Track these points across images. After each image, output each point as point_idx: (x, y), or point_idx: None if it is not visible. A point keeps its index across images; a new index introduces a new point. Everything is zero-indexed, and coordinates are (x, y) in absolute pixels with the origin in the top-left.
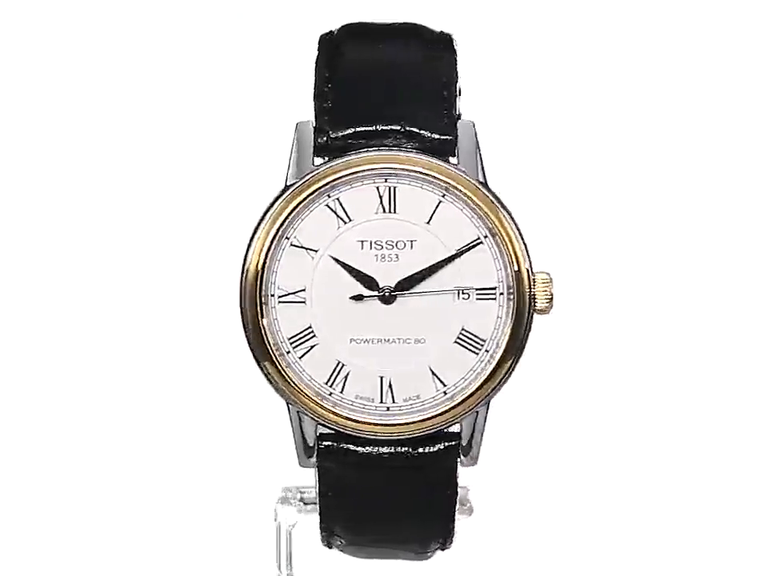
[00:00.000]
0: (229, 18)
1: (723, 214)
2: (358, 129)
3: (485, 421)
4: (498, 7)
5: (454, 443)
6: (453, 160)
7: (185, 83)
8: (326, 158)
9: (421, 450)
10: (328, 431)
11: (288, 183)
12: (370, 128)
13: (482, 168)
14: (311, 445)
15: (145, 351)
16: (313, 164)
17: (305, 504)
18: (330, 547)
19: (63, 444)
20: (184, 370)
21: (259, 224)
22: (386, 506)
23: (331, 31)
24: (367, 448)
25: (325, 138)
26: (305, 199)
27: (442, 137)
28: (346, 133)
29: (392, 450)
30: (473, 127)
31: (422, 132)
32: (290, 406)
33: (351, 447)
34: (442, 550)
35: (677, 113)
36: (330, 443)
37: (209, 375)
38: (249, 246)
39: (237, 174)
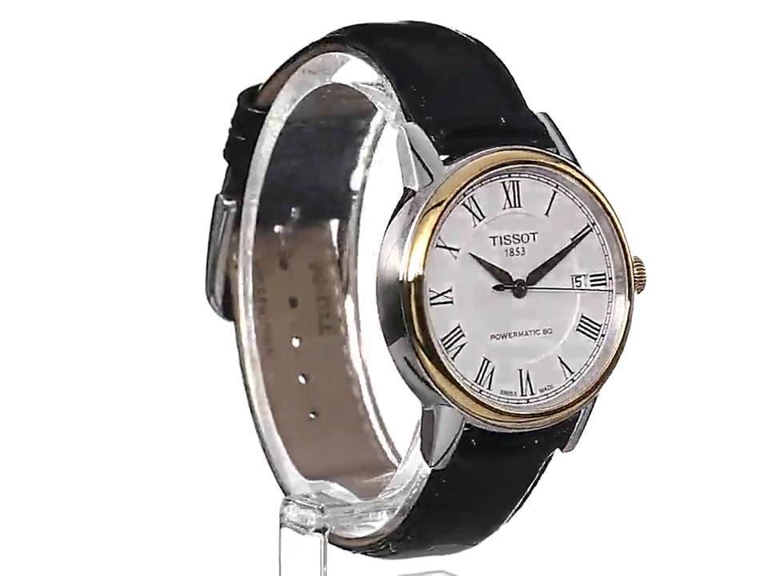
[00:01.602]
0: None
1: None
2: (467, 126)
3: (592, 407)
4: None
5: (566, 431)
6: (551, 150)
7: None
8: (451, 158)
9: (550, 439)
10: (471, 428)
11: (419, 186)
12: (478, 124)
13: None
14: (442, 446)
15: (146, 353)
16: (443, 165)
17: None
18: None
19: (66, 444)
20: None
21: (407, 231)
22: (490, 499)
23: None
24: (507, 442)
25: (438, 138)
26: (450, 201)
27: (537, 129)
28: (460, 130)
29: (529, 442)
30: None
31: (519, 126)
32: (425, 409)
33: (492, 442)
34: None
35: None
36: (472, 440)
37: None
38: (400, 252)
39: None
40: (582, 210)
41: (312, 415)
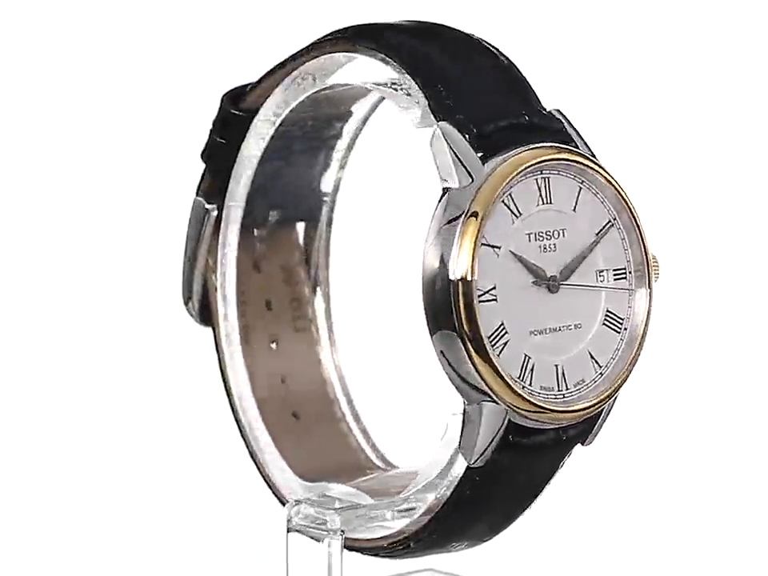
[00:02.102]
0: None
1: None
2: (498, 124)
3: (613, 402)
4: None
5: (590, 426)
6: (572, 146)
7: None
8: (484, 156)
9: (575, 434)
10: (512, 425)
11: (459, 184)
12: (505, 122)
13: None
14: (483, 443)
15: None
16: (481, 164)
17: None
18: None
19: (71, 445)
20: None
21: (454, 229)
22: (514, 495)
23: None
24: (539, 437)
25: (471, 136)
26: (494, 200)
27: (556, 126)
28: (490, 128)
29: (557, 437)
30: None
31: (541, 124)
32: (467, 407)
33: (526, 438)
34: None
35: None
36: (509, 436)
37: None
38: (448, 251)
39: None
40: (603, 204)
41: (293, 417)
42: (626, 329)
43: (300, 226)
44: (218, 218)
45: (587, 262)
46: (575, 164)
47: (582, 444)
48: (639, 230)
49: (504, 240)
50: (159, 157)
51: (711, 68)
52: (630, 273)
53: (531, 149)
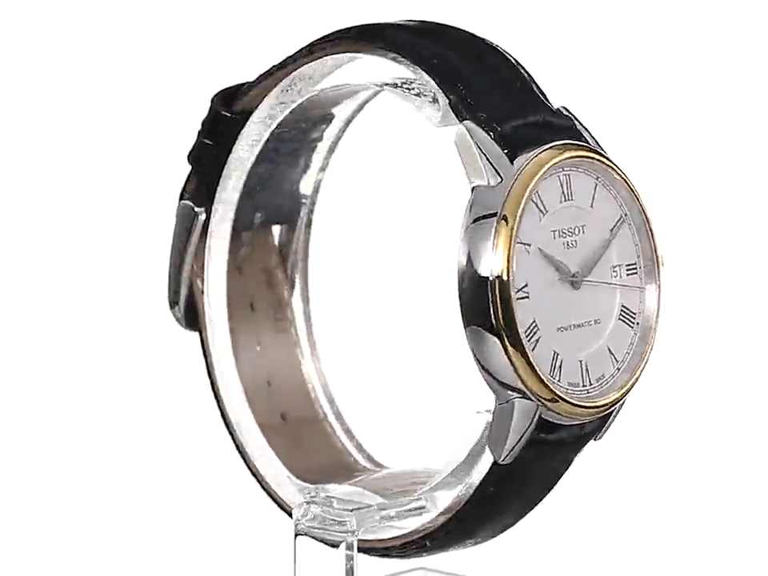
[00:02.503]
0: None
1: None
2: (517, 122)
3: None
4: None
5: (603, 421)
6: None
7: None
8: (509, 154)
9: (591, 429)
10: (541, 421)
11: (489, 183)
12: (523, 121)
13: None
14: (514, 440)
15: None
16: (509, 163)
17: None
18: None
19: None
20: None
21: (488, 228)
22: (532, 492)
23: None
24: (562, 432)
25: (495, 135)
26: (526, 198)
27: (568, 123)
28: (511, 126)
29: (576, 432)
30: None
31: (554, 121)
32: (499, 404)
33: (551, 434)
34: None
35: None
36: (537, 432)
37: None
38: (483, 250)
39: None
40: (616, 200)
41: (282, 419)
42: (638, 323)
43: (280, 229)
44: (206, 222)
45: (605, 258)
46: (593, 161)
47: (595, 439)
48: (649, 224)
49: (533, 237)
50: (142, 158)
51: (704, 67)
52: (640, 268)
53: (555, 147)
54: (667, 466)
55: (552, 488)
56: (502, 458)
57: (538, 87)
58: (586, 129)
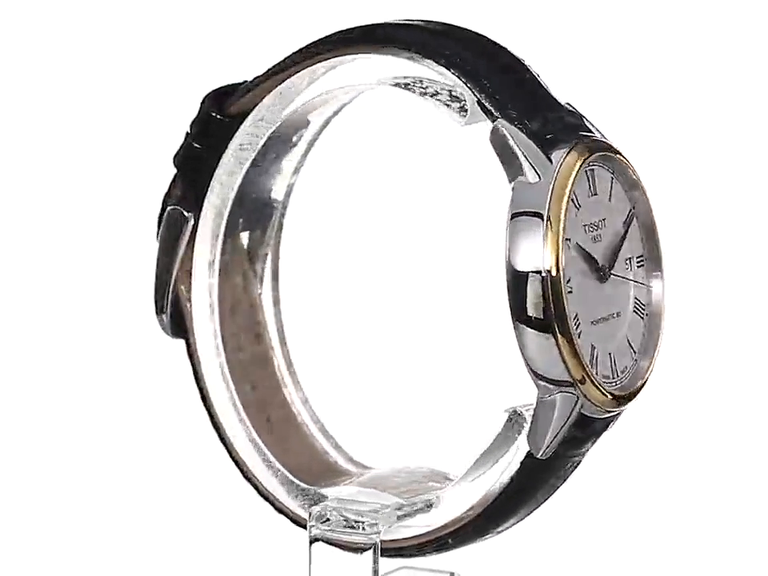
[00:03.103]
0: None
1: None
2: (542, 119)
3: None
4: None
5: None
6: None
7: None
8: (545, 150)
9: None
10: (579, 416)
11: (531, 180)
12: (549, 116)
13: None
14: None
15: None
16: (546, 160)
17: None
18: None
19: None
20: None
21: (536, 224)
22: (552, 487)
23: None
24: (594, 426)
25: (528, 132)
26: (569, 193)
27: (580, 120)
28: (539, 123)
29: (597, 426)
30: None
31: (569, 117)
32: (542, 399)
33: (583, 428)
34: None
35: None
36: (575, 426)
37: None
38: (532, 246)
39: None
40: (627, 194)
41: (267, 422)
42: (647, 314)
43: (255, 233)
44: (195, 227)
45: (623, 250)
46: (612, 155)
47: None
48: (653, 218)
49: (572, 232)
50: (126, 159)
51: (692, 67)
52: (647, 260)
53: (583, 143)
54: (667, 465)
55: (569, 477)
56: (541, 453)
57: (546, 86)
58: (593, 125)
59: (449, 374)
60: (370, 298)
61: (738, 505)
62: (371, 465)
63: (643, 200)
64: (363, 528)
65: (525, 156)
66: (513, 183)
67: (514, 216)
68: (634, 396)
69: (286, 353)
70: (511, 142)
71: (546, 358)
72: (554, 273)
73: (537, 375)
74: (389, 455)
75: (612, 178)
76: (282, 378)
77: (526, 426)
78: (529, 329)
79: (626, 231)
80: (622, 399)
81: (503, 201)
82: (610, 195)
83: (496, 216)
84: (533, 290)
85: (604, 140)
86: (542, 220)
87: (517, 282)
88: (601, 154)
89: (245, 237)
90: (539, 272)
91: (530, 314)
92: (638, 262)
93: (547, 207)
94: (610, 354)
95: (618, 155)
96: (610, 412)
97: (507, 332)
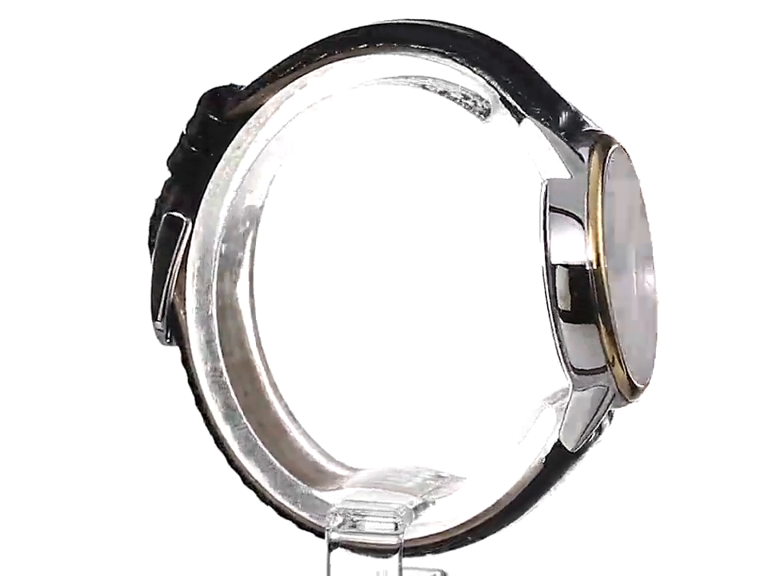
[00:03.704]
0: None
1: None
2: (560, 116)
3: None
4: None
5: None
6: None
7: None
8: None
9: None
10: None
11: (566, 175)
12: (563, 112)
13: None
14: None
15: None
16: (581, 158)
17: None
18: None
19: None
20: None
21: (576, 219)
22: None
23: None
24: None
25: (554, 128)
26: (603, 186)
27: (581, 117)
28: (560, 119)
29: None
30: None
31: (575, 114)
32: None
33: (611, 421)
34: None
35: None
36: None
37: None
38: (574, 240)
39: None
40: (629, 186)
41: (261, 426)
42: (647, 307)
43: (238, 235)
44: (191, 231)
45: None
46: (620, 149)
47: None
48: (645, 210)
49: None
50: (118, 159)
51: (681, 67)
52: (643, 252)
53: (603, 139)
54: (667, 465)
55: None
56: (573, 446)
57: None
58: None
59: (438, 372)
60: (369, 297)
61: (738, 505)
62: (355, 466)
63: (639, 192)
64: (393, 529)
65: (557, 152)
66: (545, 180)
67: (550, 211)
68: (647, 386)
69: (262, 356)
70: (543, 139)
71: (587, 351)
72: (595, 266)
73: (572, 368)
74: (372, 456)
75: (621, 172)
76: (262, 382)
77: (551, 420)
78: (569, 322)
79: (636, 223)
80: (646, 388)
81: (511, 198)
82: (622, 189)
83: (495, 216)
84: (575, 283)
85: (610, 135)
86: (582, 215)
87: (555, 276)
88: (617, 148)
89: (236, 241)
90: (582, 265)
91: (572, 308)
92: (642, 254)
93: (585, 202)
94: (631, 345)
95: (624, 150)
96: (635, 402)
97: (507, 332)
